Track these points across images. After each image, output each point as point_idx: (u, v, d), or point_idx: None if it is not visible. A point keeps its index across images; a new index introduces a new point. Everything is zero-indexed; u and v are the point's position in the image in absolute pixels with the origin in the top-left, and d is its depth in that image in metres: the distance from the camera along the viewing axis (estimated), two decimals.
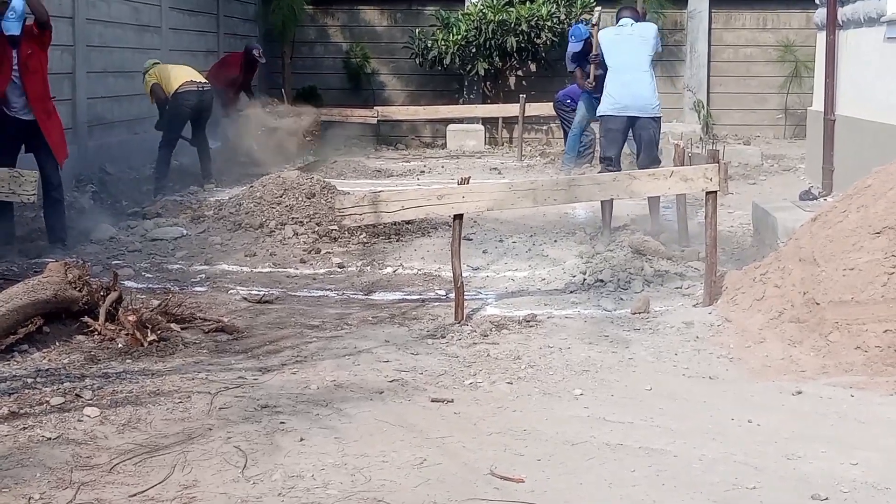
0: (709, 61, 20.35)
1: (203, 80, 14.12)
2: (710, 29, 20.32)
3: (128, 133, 14.30)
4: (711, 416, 5.73)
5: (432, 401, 5.93)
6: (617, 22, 10.94)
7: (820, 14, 13.35)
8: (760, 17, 20.46)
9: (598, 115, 10.83)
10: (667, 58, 18.98)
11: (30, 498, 4.55)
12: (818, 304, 6.74)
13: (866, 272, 6.67)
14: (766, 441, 5.35)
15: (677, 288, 8.37)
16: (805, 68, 18.91)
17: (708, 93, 20.22)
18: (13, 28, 9.60)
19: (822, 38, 13.19)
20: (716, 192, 7.87)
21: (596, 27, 12.72)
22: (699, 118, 19.60)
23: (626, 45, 10.53)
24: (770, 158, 16.90)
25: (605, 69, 10.73)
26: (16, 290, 6.87)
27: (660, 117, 10.61)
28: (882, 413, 5.76)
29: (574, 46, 13.28)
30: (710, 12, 20.28)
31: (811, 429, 5.53)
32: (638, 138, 10.49)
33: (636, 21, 10.80)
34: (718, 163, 7.85)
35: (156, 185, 13.50)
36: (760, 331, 6.93)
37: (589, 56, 12.82)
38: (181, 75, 13.84)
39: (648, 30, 10.62)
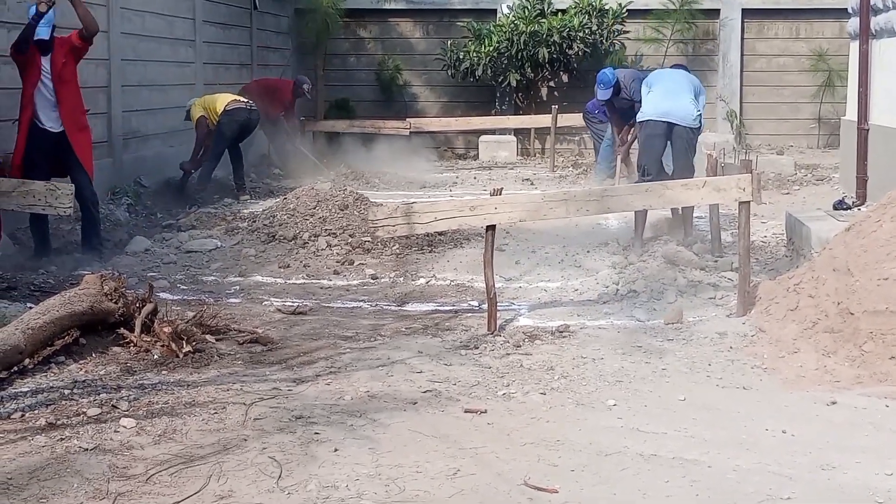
0: (741, 71, 20.30)
1: (251, 102, 14.36)
2: (742, 38, 20.27)
3: (162, 146, 14.38)
4: (745, 426, 5.71)
5: (466, 411, 5.94)
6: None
7: (853, 23, 13.29)
8: (793, 26, 20.38)
9: (638, 120, 10.76)
10: (699, 68, 18.92)
11: None
12: (852, 314, 6.71)
13: None
14: (800, 451, 5.33)
15: (710, 298, 8.35)
16: (838, 77, 18.82)
17: (741, 102, 20.16)
18: (42, 33, 9.65)
19: (855, 47, 13.13)
20: (749, 202, 7.84)
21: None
22: (732, 128, 19.55)
23: (673, 75, 10.83)
24: (803, 168, 16.83)
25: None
26: (53, 303, 6.92)
27: (698, 128, 10.58)
28: None
29: (603, 95, 12.80)
30: (742, 22, 20.23)
31: (846, 439, 5.51)
32: (674, 146, 10.43)
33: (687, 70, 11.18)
34: (752, 173, 7.82)
35: (192, 196, 13.62)
36: (794, 341, 6.90)
37: (621, 96, 12.64)
38: (228, 97, 14.28)
39: (696, 79, 10.94)
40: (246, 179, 14.79)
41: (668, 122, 10.31)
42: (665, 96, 10.39)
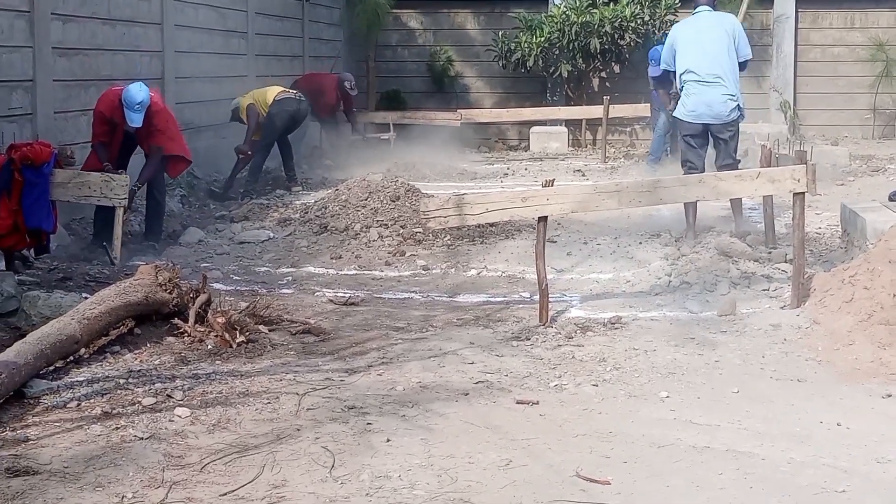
0: (795, 61, 20.15)
1: (299, 93, 14.39)
2: (796, 29, 20.12)
3: (215, 137, 14.47)
4: (799, 418, 5.67)
5: (517, 402, 5.94)
6: (694, 10, 10.53)
7: None
8: (848, 16, 20.19)
9: (674, 116, 10.63)
10: (753, 58, 18.73)
11: (123, 496, 4.64)
12: None
13: None
14: (855, 444, 5.29)
15: (764, 290, 8.28)
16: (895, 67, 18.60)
17: (794, 93, 20.01)
18: (136, 120, 9.85)
19: None
20: (804, 193, 7.77)
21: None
22: (785, 118, 19.36)
23: (705, 41, 10.18)
24: (858, 159, 16.65)
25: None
26: (108, 293, 6.99)
27: (737, 119, 10.27)
28: None
29: (654, 71, 12.94)
30: (796, 12, 20.08)
31: None
32: (715, 142, 10.30)
33: (713, 9, 10.40)
34: (806, 164, 7.76)
35: (246, 188, 13.70)
36: (849, 333, 6.83)
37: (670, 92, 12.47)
38: (277, 88, 14.28)
39: (732, 23, 10.33)
40: (297, 170, 14.82)
41: (703, 124, 10.17)
42: (699, 92, 10.06)
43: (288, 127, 14.30)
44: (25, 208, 8.86)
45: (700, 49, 10.15)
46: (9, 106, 10.15)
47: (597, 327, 7.51)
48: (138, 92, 9.94)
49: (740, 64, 10.21)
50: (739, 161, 10.51)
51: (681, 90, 10.26)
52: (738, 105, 10.17)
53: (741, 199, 10.11)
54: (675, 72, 10.34)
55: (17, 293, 7.76)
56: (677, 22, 12.65)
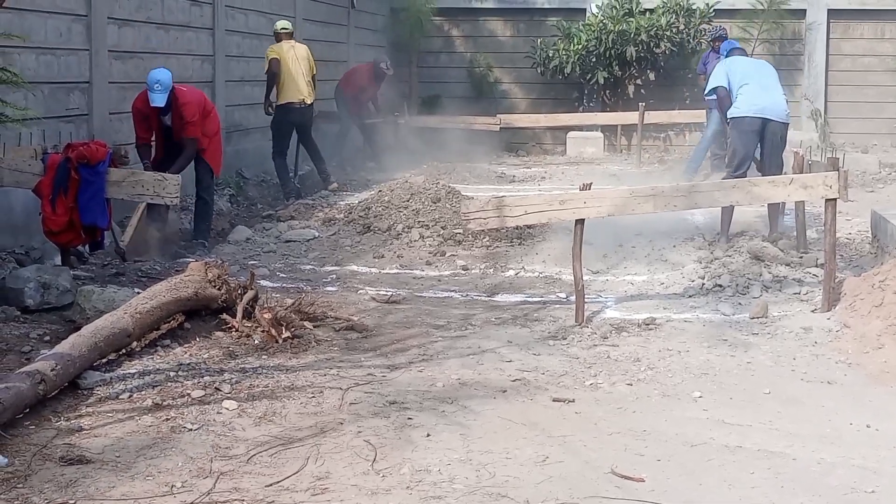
0: (826, 70, 20.05)
1: (303, 98, 13.86)
2: (828, 39, 20.02)
3: (263, 139, 14.49)
4: (830, 420, 5.62)
5: (554, 400, 5.91)
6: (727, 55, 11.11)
7: None
8: (878, 27, 20.05)
9: (731, 116, 10.39)
10: (785, 67, 18.64)
11: (172, 485, 4.65)
12: None
13: None
14: (884, 446, 5.24)
15: (796, 293, 8.22)
16: None
17: (825, 101, 19.89)
18: (157, 100, 9.85)
19: None
20: (836, 199, 7.72)
21: None
22: (816, 126, 19.22)
23: (762, 68, 10.52)
24: (887, 167, 16.51)
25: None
26: (159, 288, 7.02)
27: (789, 124, 10.37)
28: None
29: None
30: (828, 23, 19.97)
31: None
32: (766, 143, 10.17)
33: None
34: (839, 170, 7.69)
35: (283, 192, 13.70)
36: (879, 336, 6.77)
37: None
38: (289, 92, 13.72)
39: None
40: (341, 170, 14.73)
41: (763, 119, 10.05)
42: (761, 92, 10.06)
43: (289, 131, 13.98)
44: (81, 206, 8.90)
45: (756, 72, 10.43)
46: (66, 107, 10.22)
47: (631, 328, 7.47)
48: (157, 72, 10.01)
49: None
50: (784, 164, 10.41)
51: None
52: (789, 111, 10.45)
53: (779, 204, 10.02)
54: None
55: (73, 288, 7.81)
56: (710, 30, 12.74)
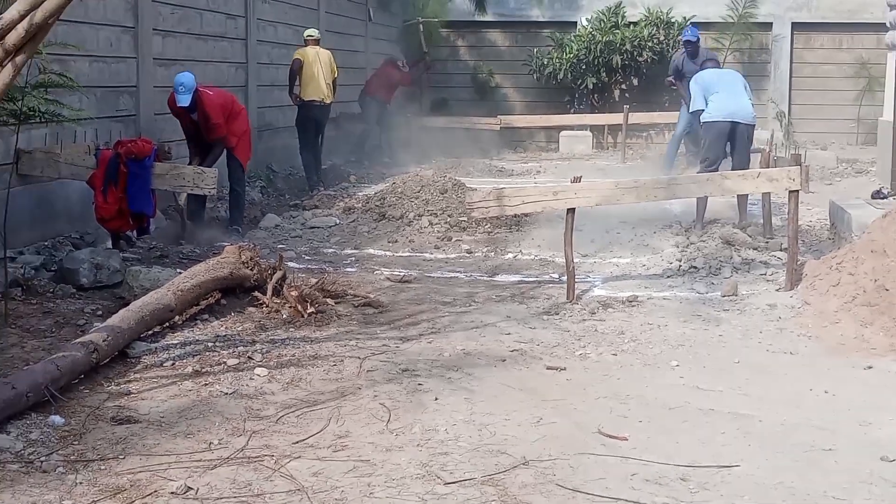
0: (790, 77, 20.00)
1: (323, 97, 13.64)
2: (791, 49, 20.00)
3: (290, 137, 14.44)
4: (792, 386, 5.62)
5: (547, 368, 5.91)
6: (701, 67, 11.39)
7: (890, 35, 12.93)
8: (837, 38, 20.02)
9: (704, 121, 10.38)
10: (753, 74, 18.55)
11: (210, 443, 4.66)
12: (887, 290, 6.57)
13: None
14: (840, 409, 5.23)
15: (762, 274, 8.20)
16: (877, 83, 18.31)
17: (789, 104, 19.81)
18: (182, 101, 9.73)
19: (892, 57, 12.84)
20: (798, 191, 7.70)
21: None
22: (781, 126, 19.14)
23: (728, 76, 10.56)
24: (844, 162, 16.44)
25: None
26: (199, 269, 7.02)
27: (755, 126, 10.35)
28: None
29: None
30: (791, 35, 19.96)
31: (881, 399, 5.39)
32: (735, 142, 10.15)
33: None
34: (801, 165, 7.68)
35: (308, 184, 13.64)
36: (836, 313, 6.76)
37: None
38: (311, 91, 13.54)
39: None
40: (348, 167, 14.80)
41: (733, 122, 10.06)
42: (729, 98, 10.11)
43: (311, 127, 13.75)
44: (129, 195, 8.92)
45: (727, 81, 10.49)
46: (116, 108, 10.21)
47: (616, 304, 7.46)
48: (181, 76, 9.85)
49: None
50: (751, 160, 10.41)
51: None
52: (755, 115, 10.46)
53: (747, 195, 10.00)
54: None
55: (122, 268, 7.82)
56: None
